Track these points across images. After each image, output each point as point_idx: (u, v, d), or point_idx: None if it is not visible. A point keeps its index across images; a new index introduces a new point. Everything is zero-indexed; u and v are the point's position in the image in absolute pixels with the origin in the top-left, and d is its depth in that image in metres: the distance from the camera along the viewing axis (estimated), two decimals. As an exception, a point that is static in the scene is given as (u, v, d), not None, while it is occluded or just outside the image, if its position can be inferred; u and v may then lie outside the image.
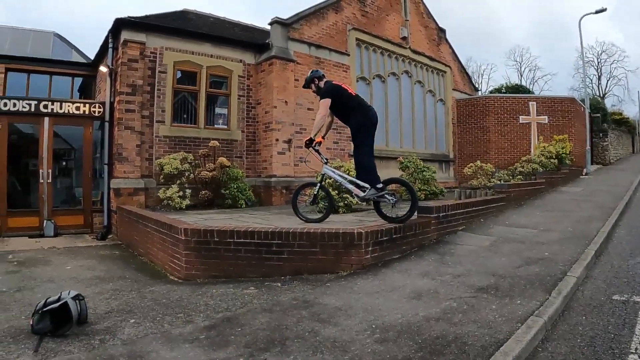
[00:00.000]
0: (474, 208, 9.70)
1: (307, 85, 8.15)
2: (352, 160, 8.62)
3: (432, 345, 3.99)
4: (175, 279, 7.03)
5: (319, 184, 8.09)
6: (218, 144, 12.65)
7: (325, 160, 8.00)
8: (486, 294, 5.32)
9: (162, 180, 11.91)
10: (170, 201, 11.36)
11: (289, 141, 13.80)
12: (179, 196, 11.36)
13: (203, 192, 11.80)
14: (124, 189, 11.82)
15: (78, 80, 16.12)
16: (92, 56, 15.89)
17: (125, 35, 12.19)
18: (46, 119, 12.51)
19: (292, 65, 14.22)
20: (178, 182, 11.66)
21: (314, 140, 7.73)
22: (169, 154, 12.10)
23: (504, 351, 3.81)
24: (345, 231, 6.70)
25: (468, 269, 6.40)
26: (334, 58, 15.52)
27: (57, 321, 4.67)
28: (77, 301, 4.93)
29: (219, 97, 14.05)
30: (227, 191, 12.07)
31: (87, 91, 15.99)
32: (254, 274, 6.66)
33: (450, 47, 21.29)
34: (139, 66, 12.26)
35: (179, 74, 13.24)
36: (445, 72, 20.68)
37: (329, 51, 15.40)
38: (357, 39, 16.41)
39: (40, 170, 12.43)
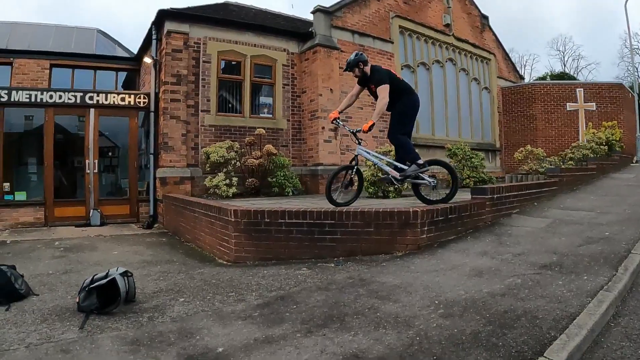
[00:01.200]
0: (527, 191, 9.14)
1: (350, 68, 7.44)
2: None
3: (501, 319, 3.73)
4: (224, 262, 6.83)
5: (355, 168, 7.38)
6: (264, 132, 12.22)
7: (359, 141, 7.46)
8: (550, 270, 4.96)
9: (208, 169, 11.61)
10: (216, 189, 11.01)
11: (335, 129, 13.27)
12: (226, 184, 10.98)
13: (250, 180, 11.41)
14: (169, 178, 11.56)
15: (122, 75, 16.03)
16: (135, 51, 15.75)
17: (168, 26, 11.94)
18: (92, 111, 12.32)
19: (336, 53, 13.71)
20: (224, 170, 11.28)
21: (374, 125, 7.04)
22: (215, 143, 11.76)
23: (578, 324, 3.55)
24: (400, 210, 6.35)
25: (527, 248, 5.99)
26: (377, 46, 14.97)
27: (105, 298, 4.38)
28: (125, 277, 4.62)
29: (263, 86, 13.61)
30: (274, 179, 11.69)
31: (131, 85, 15.82)
32: (305, 255, 6.41)
33: (494, 34, 20.41)
34: (183, 56, 12.01)
35: (223, 64, 12.89)
36: (489, 59, 19.82)
37: (372, 39, 14.85)
38: (400, 27, 15.80)
39: (87, 161, 12.25)
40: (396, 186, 8.68)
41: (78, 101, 12.18)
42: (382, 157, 7.76)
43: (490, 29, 20.24)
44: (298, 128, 13.84)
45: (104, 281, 4.42)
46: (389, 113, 7.35)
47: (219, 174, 11.19)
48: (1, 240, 9.60)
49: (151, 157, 12.30)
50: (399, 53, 15.68)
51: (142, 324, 4.08)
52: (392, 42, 15.41)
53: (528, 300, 4.07)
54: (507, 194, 8.37)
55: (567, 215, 8.04)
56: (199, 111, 12.24)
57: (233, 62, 13.11)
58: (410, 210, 6.31)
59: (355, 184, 7.57)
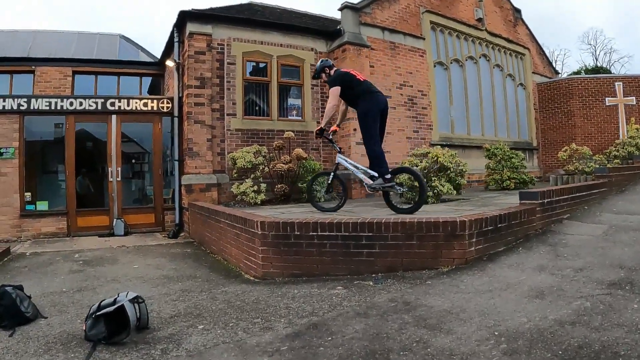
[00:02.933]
0: (577, 194, 8.24)
1: (317, 75, 7.74)
2: (435, 149, 8.65)
3: (578, 358, 2.96)
4: (251, 278, 6.24)
5: (332, 173, 7.71)
6: (293, 136, 11.53)
7: (339, 149, 7.79)
8: (621, 290, 4.16)
9: (235, 175, 11.00)
10: (244, 196, 10.37)
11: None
12: (254, 191, 10.32)
13: (279, 186, 10.70)
14: (195, 185, 10.96)
15: (146, 80, 15.65)
16: (159, 57, 15.22)
17: (190, 27, 11.38)
18: (113, 117, 11.83)
19: (367, 51, 12.98)
20: (252, 176, 10.62)
21: (325, 129, 7.54)
22: (242, 148, 11.09)
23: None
24: (446, 220, 5.57)
25: (589, 261, 5.18)
26: (409, 42, 14.16)
27: (113, 327, 3.78)
28: (135, 304, 4.01)
29: (291, 87, 12.91)
30: (304, 184, 10.97)
31: (155, 91, 15.34)
32: (340, 271, 5.75)
33: (527, 27, 19.37)
34: (207, 58, 11.42)
35: (248, 65, 12.26)
36: (523, 54, 18.79)
37: (403, 35, 14.05)
38: (431, 22, 14.95)
39: (109, 169, 11.76)
40: (438, 190, 8.62)
41: (99, 107, 11.72)
42: (358, 165, 7.53)
43: (523, 22, 19.23)
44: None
45: (112, 308, 3.80)
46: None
47: (247, 180, 10.55)
48: (21, 253, 9.21)
49: (176, 163, 11.76)
50: (431, 50, 14.85)
51: (154, 358, 3.45)
52: (424, 39, 14.60)
53: (603, 331, 3.31)
54: (558, 198, 7.56)
55: (624, 221, 7.15)
56: (225, 115, 11.64)
57: (259, 63, 12.47)
58: (457, 220, 5.56)
59: (339, 189, 7.87)
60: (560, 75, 21.27)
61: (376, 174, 7.00)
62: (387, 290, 4.90)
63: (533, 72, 19.17)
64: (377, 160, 7.00)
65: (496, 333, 3.42)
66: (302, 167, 11.00)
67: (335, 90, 7.12)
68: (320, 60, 7.89)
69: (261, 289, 5.49)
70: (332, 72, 7.51)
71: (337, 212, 7.49)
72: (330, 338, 3.63)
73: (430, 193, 8.91)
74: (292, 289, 5.28)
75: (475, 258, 5.58)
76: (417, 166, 9.05)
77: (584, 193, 8.58)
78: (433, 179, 9.03)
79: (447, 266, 5.49)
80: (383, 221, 5.70)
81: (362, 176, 7.31)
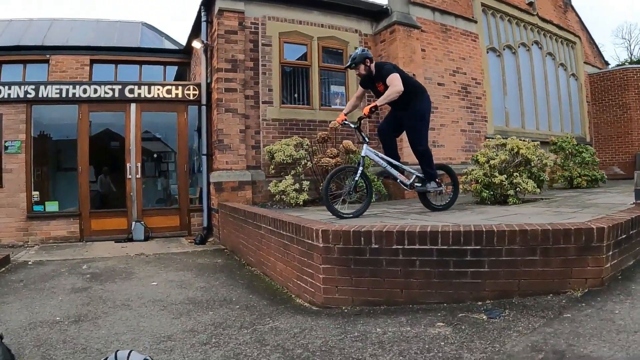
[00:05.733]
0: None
1: (355, 64, 6.29)
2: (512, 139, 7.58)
3: None
4: (306, 305, 4.58)
5: (360, 169, 6.05)
6: (339, 126, 9.67)
7: (367, 140, 6.39)
8: None
9: (272, 171, 9.13)
10: (283, 196, 8.60)
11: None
12: (295, 189, 8.55)
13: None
14: (226, 183, 9.15)
15: (170, 70, 14.12)
16: (184, 44, 13.49)
17: (220, 4, 9.61)
18: (132, 106, 10.05)
19: (417, 33, 11.03)
20: (292, 172, 8.84)
21: (374, 110, 6.08)
22: (279, 140, 9.29)
23: None
24: (579, 228, 4.01)
25: None
26: (460, 25, 12.21)
27: None
28: None
29: (333, 72, 11.00)
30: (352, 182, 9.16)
31: (181, 81, 13.58)
32: (433, 298, 4.15)
33: (577, 14, 17.26)
34: (239, 38, 9.62)
35: (286, 47, 10.39)
36: (574, 42, 16.66)
37: (454, 17, 12.10)
38: (482, 4, 12.96)
39: (128, 165, 9.98)
40: (522, 188, 7.12)
41: (116, 95, 9.95)
42: (389, 159, 6.47)
43: (573, 8, 17.13)
44: (376, 121, 10.99)
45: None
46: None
47: (286, 177, 8.76)
48: (23, 261, 7.62)
49: (204, 158, 10.01)
50: (484, 34, 12.86)
51: None
52: (476, 22, 12.63)
53: None
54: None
55: None
56: (260, 103, 9.83)
57: (297, 45, 10.60)
58: (594, 227, 4.00)
59: (364, 190, 6.41)
60: (610, 66, 19.11)
61: (421, 175, 6.55)
62: (512, 328, 3.35)
63: (584, 62, 17.08)
64: (429, 159, 6.47)
65: None
66: (351, 161, 9.04)
67: (398, 76, 6.10)
68: (361, 48, 6.63)
69: (326, 324, 3.85)
70: (372, 65, 6.38)
71: (397, 211, 6.30)
72: None
73: (512, 192, 7.20)
74: (372, 327, 3.66)
75: (610, 276, 4.09)
76: (492, 160, 7.30)
77: None
78: (514, 174, 7.21)
79: (578, 289, 3.95)
80: (495, 229, 4.04)
81: (395, 173, 6.42)
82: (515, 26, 14.14)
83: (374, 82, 6.44)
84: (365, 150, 6.26)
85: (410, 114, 6.32)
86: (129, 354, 2.77)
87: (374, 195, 9.14)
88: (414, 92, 6.29)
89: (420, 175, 6.55)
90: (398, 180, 6.49)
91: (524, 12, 14.36)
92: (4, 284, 6.01)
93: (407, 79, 6.28)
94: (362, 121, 6.52)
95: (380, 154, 6.46)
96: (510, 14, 13.95)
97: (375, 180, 9.22)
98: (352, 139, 9.88)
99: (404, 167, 6.57)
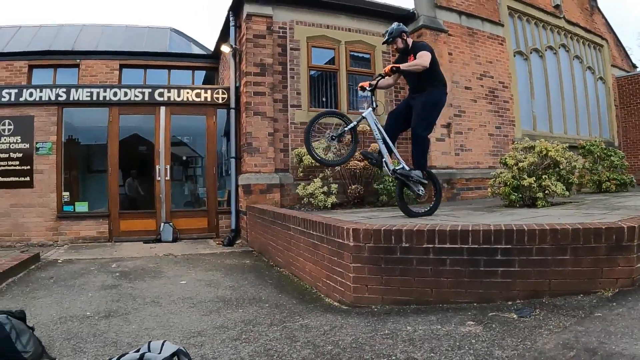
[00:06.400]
0: None
1: (392, 39, 6.23)
2: (541, 141, 7.44)
3: None
4: (336, 304, 4.56)
5: (354, 122, 6.17)
6: (368, 129, 9.62)
7: (375, 105, 6.37)
8: None
9: (300, 174, 9.14)
10: (311, 198, 8.57)
11: (447, 125, 10.47)
12: (323, 192, 8.51)
13: (353, 187, 8.82)
14: (254, 186, 9.11)
15: (199, 75, 14.16)
16: (212, 49, 13.58)
17: (248, 8, 9.60)
18: (162, 109, 10.15)
19: (444, 37, 10.94)
20: (321, 175, 8.81)
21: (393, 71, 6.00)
22: (308, 143, 9.25)
23: None
24: (610, 227, 4.02)
25: None
26: (487, 29, 12.07)
27: None
28: None
29: (361, 77, 10.81)
30: (381, 185, 9.05)
31: (209, 85, 13.59)
32: (463, 297, 4.16)
33: (603, 16, 16.93)
34: (267, 42, 9.61)
35: (314, 52, 10.33)
36: (602, 45, 16.34)
37: (481, 21, 11.96)
38: (508, 7, 12.78)
39: (157, 167, 10.05)
40: (551, 190, 6.97)
41: (146, 98, 10.06)
42: (386, 137, 6.27)
43: (600, 10, 16.81)
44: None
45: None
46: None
47: (315, 180, 8.73)
48: (53, 259, 7.68)
49: (232, 161, 9.98)
50: (510, 38, 12.69)
51: None
52: (503, 25, 12.47)
53: None
54: None
55: None
56: (288, 106, 9.78)
57: (325, 50, 10.52)
58: (624, 225, 4.00)
59: (349, 140, 6.70)
60: (637, 69, 18.76)
61: (408, 169, 6.30)
62: (543, 327, 3.35)
63: (612, 65, 16.78)
64: (424, 150, 6.30)
65: None
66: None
67: (429, 55, 5.96)
68: (396, 23, 6.39)
69: (356, 322, 3.82)
70: (409, 40, 6.31)
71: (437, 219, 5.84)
72: None
73: (541, 194, 7.10)
74: (403, 325, 3.65)
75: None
76: (521, 162, 7.22)
77: None
78: (543, 177, 7.10)
79: (608, 289, 3.98)
80: (525, 228, 4.04)
81: (384, 150, 6.21)
82: (542, 29, 13.94)
83: (407, 56, 6.30)
84: (368, 113, 6.30)
85: (425, 97, 6.17)
86: (163, 344, 2.75)
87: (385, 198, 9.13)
88: (435, 79, 6.21)
89: (407, 169, 6.33)
90: (383, 160, 6.29)
91: (550, 15, 14.14)
92: (35, 281, 6.08)
93: (435, 64, 6.18)
94: (377, 85, 6.42)
95: (380, 127, 6.37)
96: (537, 17, 13.75)
97: (387, 180, 9.10)
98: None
99: (395, 151, 6.39)
